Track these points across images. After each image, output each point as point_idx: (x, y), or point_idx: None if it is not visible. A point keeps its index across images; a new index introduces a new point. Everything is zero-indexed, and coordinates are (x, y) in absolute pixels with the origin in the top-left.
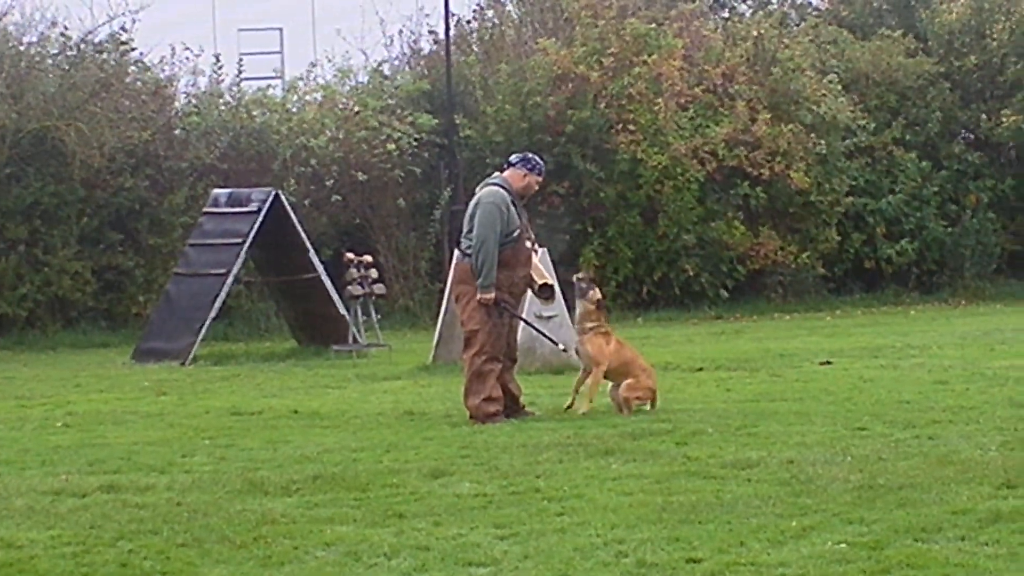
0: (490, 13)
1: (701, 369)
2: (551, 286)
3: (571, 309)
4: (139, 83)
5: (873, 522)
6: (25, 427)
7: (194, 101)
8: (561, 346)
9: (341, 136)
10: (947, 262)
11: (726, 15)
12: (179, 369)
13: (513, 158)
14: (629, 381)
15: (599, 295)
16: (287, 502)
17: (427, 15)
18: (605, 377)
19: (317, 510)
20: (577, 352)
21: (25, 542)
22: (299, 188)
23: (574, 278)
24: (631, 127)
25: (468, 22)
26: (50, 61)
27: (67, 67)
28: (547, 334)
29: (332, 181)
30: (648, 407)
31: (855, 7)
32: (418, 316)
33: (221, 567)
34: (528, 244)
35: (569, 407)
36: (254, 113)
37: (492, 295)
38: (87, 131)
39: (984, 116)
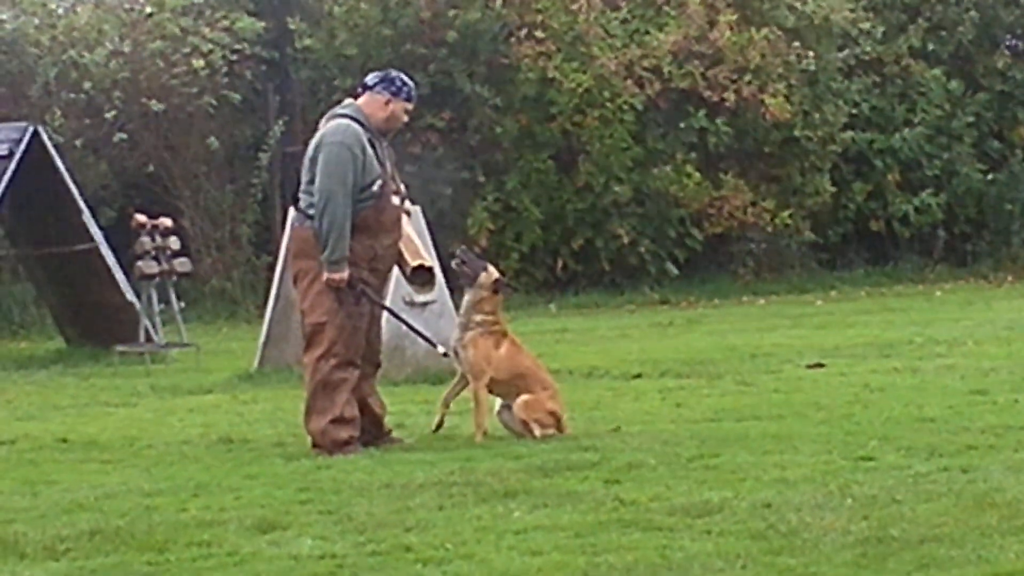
0: None
1: (639, 376)
2: (429, 268)
3: (455, 293)
4: None
5: None
6: None
7: None
8: (440, 348)
9: (127, 49)
10: (987, 222)
11: None
12: None
13: (371, 79)
14: (526, 398)
15: (496, 274)
16: (52, 568)
17: None
18: (491, 391)
19: None
20: (456, 354)
21: None
22: (68, 123)
23: (452, 262)
24: (539, 33)
25: None
26: None
27: None
28: (420, 330)
29: (114, 113)
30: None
31: None
32: (238, 303)
33: None
34: (396, 201)
35: (438, 427)
36: (2, 16)
37: (344, 274)
38: None
39: None
